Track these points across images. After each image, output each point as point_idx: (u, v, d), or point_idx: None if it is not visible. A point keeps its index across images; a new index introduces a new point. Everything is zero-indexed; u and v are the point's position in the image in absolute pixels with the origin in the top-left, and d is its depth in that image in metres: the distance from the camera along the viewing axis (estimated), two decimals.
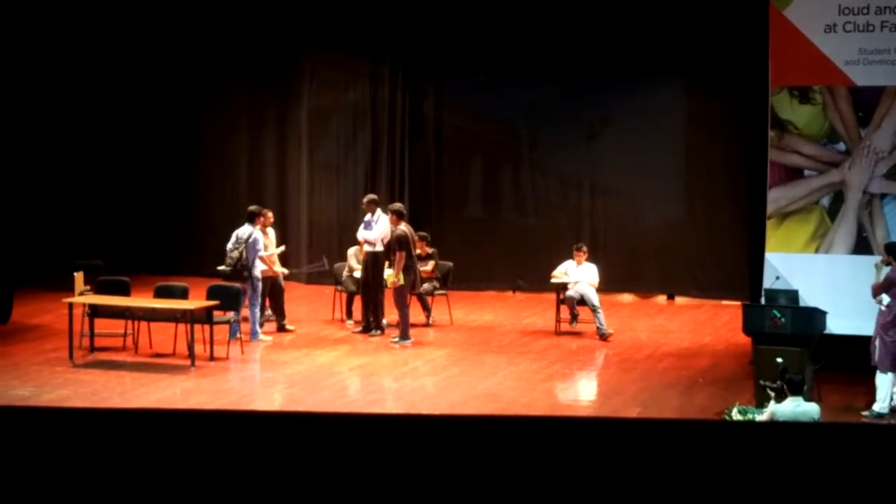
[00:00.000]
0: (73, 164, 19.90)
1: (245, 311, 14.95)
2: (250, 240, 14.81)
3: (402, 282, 14.86)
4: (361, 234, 15.50)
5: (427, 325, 16.14)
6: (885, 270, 11.84)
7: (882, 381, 11.73)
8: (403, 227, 15.05)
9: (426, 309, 16.25)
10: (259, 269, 14.88)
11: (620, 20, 18.29)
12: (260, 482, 3.62)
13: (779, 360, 11.31)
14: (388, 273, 15.08)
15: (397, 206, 15.50)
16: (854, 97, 13.83)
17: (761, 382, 11.16)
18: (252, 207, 15.46)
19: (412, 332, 15.15)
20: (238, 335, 14.58)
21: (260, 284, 14.95)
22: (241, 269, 14.76)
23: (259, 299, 15.01)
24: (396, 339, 14.99)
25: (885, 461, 3.59)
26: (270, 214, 15.81)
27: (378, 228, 15.28)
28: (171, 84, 20.31)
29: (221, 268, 15.13)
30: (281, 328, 15.54)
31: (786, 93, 14.08)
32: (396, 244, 14.90)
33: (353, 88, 19.74)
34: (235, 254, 14.78)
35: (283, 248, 16.05)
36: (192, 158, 20.47)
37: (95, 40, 19.95)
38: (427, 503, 3.59)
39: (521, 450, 3.66)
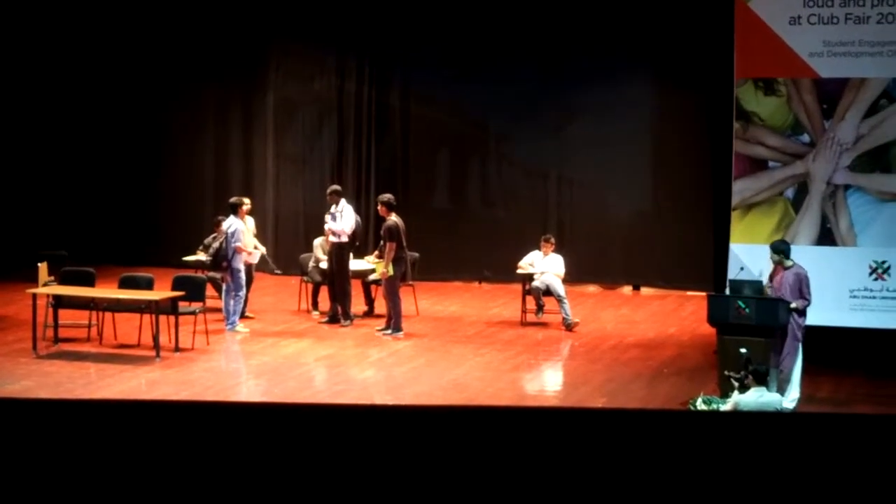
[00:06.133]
0: (38, 153, 19.75)
1: (219, 302, 15.15)
2: (230, 231, 14.80)
3: (391, 272, 14.76)
4: (329, 225, 15.43)
5: (367, 314, 16.06)
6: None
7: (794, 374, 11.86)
8: (394, 217, 14.93)
9: (369, 301, 16.18)
10: (239, 260, 14.86)
11: (587, 12, 18.31)
12: (224, 472, 3.61)
13: (742, 350, 11.36)
14: (378, 262, 15.03)
15: (387, 197, 15.21)
16: (818, 89, 13.92)
17: (726, 374, 11.20)
18: (233, 199, 15.36)
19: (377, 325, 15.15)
20: (237, 327, 14.84)
21: (242, 276, 14.92)
22: (221, 260, 14.78)
23: (238, 290, 14.95)
24: (389, 331, 14.87)
25: (851, 450, 3.62)
26: (247, 202, 15.61)
27: (344, 220, 15.23)
28: (136, 74, 20.18)
29: (203, 258, 15.12)
30: (241, 314, 15.50)
31: (750, 84, 14.15)
32: (388, 235, 14.76)
33: (320, 79, 19.70)
34: (216, 244, 14.80)
35: (261, 249, 15.94)
36: (158, 148, 20.36)
37: (61, 32, 19.80)
38: (393, 494, 3.59)
39: (487, 440, 3.67)
